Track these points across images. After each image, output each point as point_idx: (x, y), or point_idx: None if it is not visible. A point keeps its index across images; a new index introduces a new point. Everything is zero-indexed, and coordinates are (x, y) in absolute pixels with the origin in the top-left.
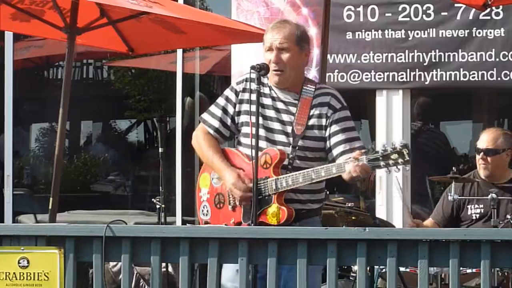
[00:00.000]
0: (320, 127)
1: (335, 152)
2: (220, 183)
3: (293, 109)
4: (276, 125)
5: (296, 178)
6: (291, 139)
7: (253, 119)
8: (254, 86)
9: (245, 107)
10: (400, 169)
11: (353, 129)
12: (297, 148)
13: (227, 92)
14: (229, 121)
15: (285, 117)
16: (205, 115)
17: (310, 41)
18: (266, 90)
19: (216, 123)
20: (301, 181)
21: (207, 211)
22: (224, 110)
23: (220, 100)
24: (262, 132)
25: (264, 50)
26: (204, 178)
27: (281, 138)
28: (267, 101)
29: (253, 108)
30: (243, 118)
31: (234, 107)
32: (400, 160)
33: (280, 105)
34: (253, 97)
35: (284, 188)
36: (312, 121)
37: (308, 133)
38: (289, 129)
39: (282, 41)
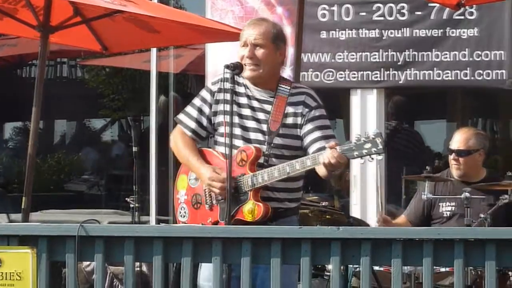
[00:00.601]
0: (295, 126)
1: (311, 149)
2: (197, 183)
3: (268, 107)
4: (252, 124)
5: (271, 173)
6: (267, 136)
7: (227, 118)
8: (228, 85)
9: (221, 107)
10: (374, 158)
11: (329, 127)
12: (272, 145)
13: (203, 92)
14: (205, 122)
15: (260, 115)
16: (181, 116)
17: (287, 41)
18: (241, 89)
19: (192, 124)
20: (276, 175)
21: (185, 212)
22: (200, 111)
23: (196, 101)
24: (238, 131)
25: (239, 46)
26: (182, 179)
27: (256, 136)
28: (242, 100)
29: (228, 107)
30: (219, 118)
31: (210, 108)
32: (373, 149)
33: (255, 104)
34: (228, 96)
35: (260, 184)
36: (288, 119)
37: (284, 131)
38: (264, 127)
39: (257, 37)
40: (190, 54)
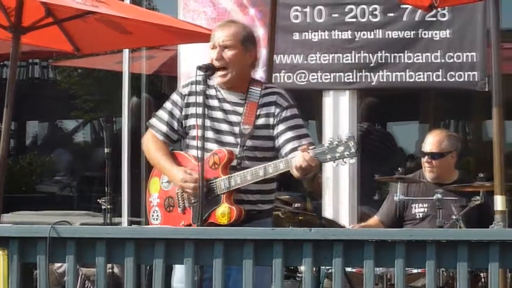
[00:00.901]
0: (267, 126)
1: (284, 150)
2: (170, 186)
3: (240, 110)
4: (225, 127)
5: (244, 177)
6: (239, 139)
7: (200, 121)
8: (200, 87)
9: (192, 110)
10: (347, 162)
11: (302, 127)
12: (245, 148)
13: (174, 96)
14: (176, 125)
15: (232, 118)
16: (152, 120)
17: (257, 43)
18: (212, 91)
19: (163, 128)
20: (249, 178)
21: (158, 215)
22: (171, 114)
23: (167, 105)
24: (211, 134)
25: (209, 49)
26: (154, 182)
27: (229, 139)
28: (213, 102)
29: (200, 110)
30: (190, 121)
31: (181, 111)
32: (346, 153)
33: (227, 106)
34: (200, 98)
35: (233, 187)
36: (260, 121)
37: (256, 133)
38: (236, 129)
39: (226, 38)
40: (162, 56)
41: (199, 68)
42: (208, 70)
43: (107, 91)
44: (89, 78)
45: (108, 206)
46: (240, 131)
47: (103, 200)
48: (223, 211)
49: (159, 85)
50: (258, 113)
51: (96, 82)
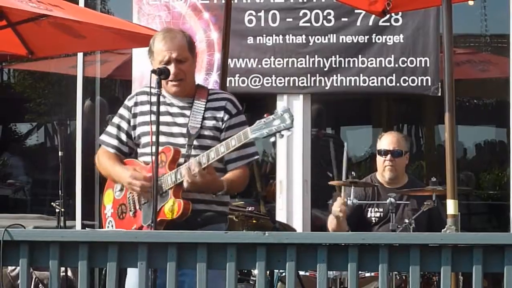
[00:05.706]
0: (216, 129)
1: (227, 157)
2: (122, 194)
3: (187, 112)
4: (175, 129)
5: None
6: (187, 139)
7: (153, 119)
8: (154, 90)
9: (139, 119)
10: (284, 135)
11: None
12: (192, 146)
13: (120, 110)
14: (124, 137)
15: (180, 120)
16: (103, 136)
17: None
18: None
19: (114, 141)
20: (193, 168)
21: (112, 225)
22: (119, 127)
23: (115, 119)
24: (163, 138)
25: (156, 62)
26: (108, 194)
27: (181, 140)
28: (161, 108)
29: (147, 118)
30: (138, 130)
31: (129, 123)
32: (282, 125)
33: (174, 110)
34: (144, 108)
35: (179, 180)
36: (207, 122)
37: (203, 132)
38: (185, 130)
39: (179, 52)
40: (116, 59)
41: (153, 71)
42: (162, 73)
43: (61, 95)
44: (43, 81)
45: (62, 209)
46: (187, 131)
47: (57, 203)
48: (170, 206)
49: (113, 89)
50: (206, 115)
51: (50, 85)
